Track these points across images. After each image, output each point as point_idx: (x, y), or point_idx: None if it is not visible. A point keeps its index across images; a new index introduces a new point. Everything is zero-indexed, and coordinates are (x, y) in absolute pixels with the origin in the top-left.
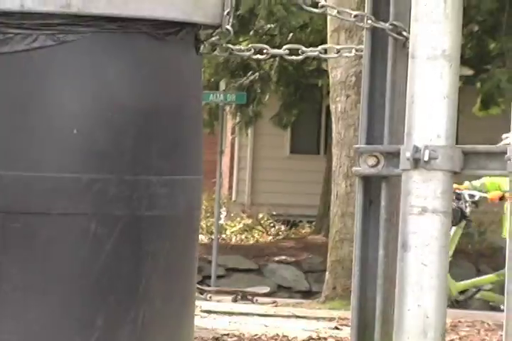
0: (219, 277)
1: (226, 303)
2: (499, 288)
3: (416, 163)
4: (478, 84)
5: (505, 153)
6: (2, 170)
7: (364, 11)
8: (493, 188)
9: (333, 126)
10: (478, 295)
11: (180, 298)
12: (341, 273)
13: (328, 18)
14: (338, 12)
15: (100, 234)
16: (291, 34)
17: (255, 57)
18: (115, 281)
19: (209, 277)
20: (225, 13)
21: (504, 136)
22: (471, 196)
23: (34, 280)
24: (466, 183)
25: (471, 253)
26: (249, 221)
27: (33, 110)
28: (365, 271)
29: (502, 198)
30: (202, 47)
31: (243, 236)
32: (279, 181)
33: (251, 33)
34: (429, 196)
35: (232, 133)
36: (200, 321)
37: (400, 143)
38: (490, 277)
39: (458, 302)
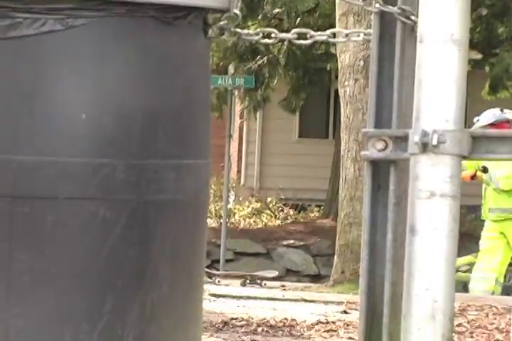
0: (227, 261)
1: (234, 287)
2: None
3: (424, 147)
4: (487, 68)
5: None
6: (10, 154)
7: None
8: (471, 168)
9: (342, 110)
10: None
11: (189, 282)
12: (350, 257)
13: (337, 2)
14: None
15: (108, 218)
16: (299, 18)
17: (263, 41)
18: (123, 266)
19: (217, 261)
20: None
21: (475, 119)
22: None
23: (42, 264)
24: None
25: (479, 237)
26: (257, 205)
27: (41, 95)
28: (373, 255)
29: (473, 177)
30: (210, 31)
31: (252, 220)
32: (287, 165)
33: (259, 17)
34: (438, 180)
35: (241, 117)
36: (208, 305)
37: (408, 127)
38: (467, 258)
39: None
